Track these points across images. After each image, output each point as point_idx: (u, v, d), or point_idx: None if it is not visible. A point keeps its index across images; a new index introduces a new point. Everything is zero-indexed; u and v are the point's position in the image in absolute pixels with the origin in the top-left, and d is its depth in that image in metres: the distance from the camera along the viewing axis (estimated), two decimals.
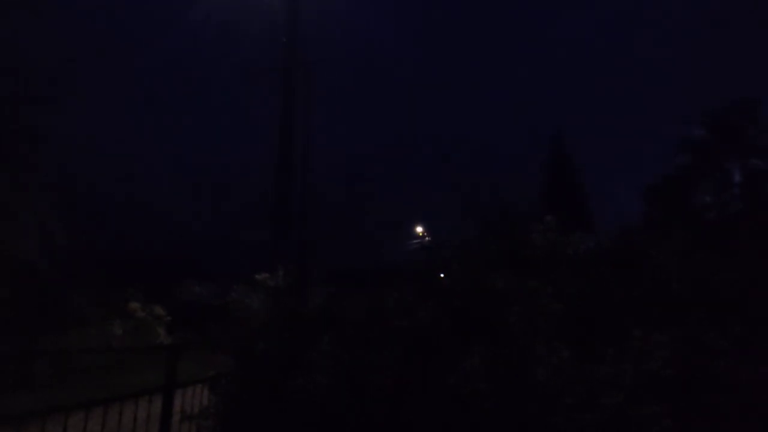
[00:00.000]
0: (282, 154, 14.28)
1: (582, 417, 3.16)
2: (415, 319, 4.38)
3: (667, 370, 3.18)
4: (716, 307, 3.59)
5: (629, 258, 4.24)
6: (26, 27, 11.48)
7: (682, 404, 3.13)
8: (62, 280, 12.32)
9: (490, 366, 3.76)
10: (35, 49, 11.75)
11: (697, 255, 4.14)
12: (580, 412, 3.25)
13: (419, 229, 26.59)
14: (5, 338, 9.19)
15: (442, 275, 6.01)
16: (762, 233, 5.47)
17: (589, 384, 3.34)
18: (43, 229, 11.78)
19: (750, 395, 3.04)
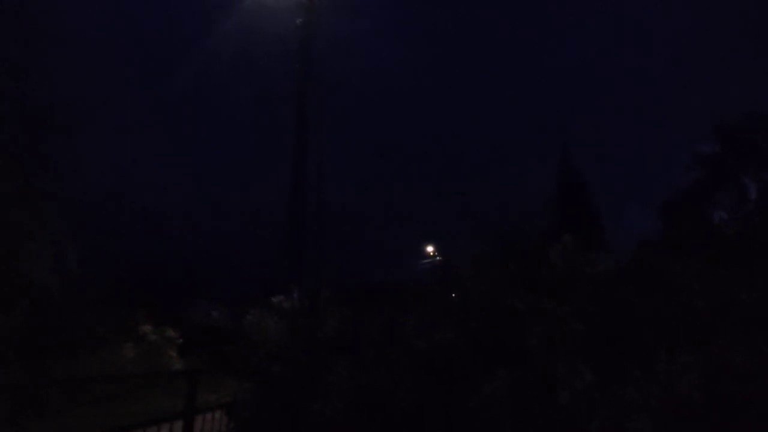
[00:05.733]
0: (295, 176, 14.42)
1: None
2: (433, 341, 4.31)
3: (695, 393, 3.09)
4: (744, 326, 3.50)
5: (651, 276, 4.16)
6: (44, 56, 11.80)
7: (712, 430, 3.03)
8: (75, 303, 12.37)
9: (512, 389, 3.68)
10: (53, 77, 12.05)
11: (721, 272, 4.06)
12: None
13: (430, 248, 26.46)
14: (21, 362, 9.21)
15: (455, 294, 5.94)
16: None
17: (615, 408, 3.25)
18: (57, 252, 11.88)
19: None
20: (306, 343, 4.64)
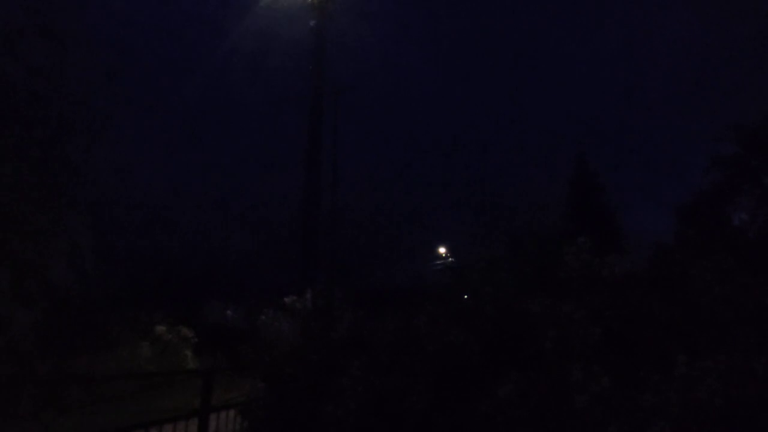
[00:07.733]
0: (309, 177, 14.46)
1: None
2: (445, 344, 4.29)
3: (716, 399, 3.02)
4: (766, 330, 3.41)
5: (669, 279, 4.09)
6: (66, 57, 12.01)
7: None
8: (92, 302, 12.58)
9: (526, 393, 3.64)
10: (71, 79, 12.27)
11: (742, 275, 3.97)
12: None
13: (442, 250, 26.39)
14: (42, 360, 9.39)
15: (468, 296, 5.90)
16: None
17: (632, 413, 3.19)
18: (75, 252, 12.07)
19: None
20: (319, 344, 4.65)
